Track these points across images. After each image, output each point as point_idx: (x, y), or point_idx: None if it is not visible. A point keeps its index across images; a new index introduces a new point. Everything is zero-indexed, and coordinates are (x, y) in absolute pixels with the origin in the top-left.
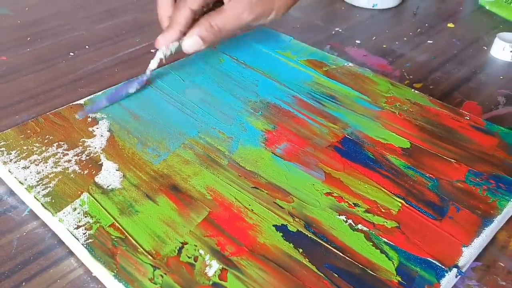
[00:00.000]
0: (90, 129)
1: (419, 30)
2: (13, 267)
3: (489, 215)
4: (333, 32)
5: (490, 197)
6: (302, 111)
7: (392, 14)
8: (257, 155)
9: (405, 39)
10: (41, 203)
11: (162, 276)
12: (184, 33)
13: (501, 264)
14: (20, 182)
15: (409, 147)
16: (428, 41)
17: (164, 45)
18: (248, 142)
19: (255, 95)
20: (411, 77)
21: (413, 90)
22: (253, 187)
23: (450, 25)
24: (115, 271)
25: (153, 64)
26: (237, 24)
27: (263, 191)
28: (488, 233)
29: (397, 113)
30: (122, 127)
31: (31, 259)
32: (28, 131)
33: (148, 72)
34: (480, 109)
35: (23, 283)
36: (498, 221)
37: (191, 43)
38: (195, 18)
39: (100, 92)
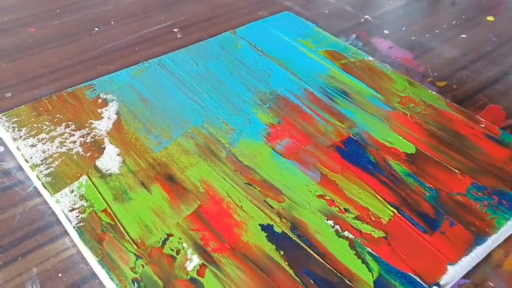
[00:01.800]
0: (99, 110)
1: (454, 22)
2: (12, 241)
3: (483, 233)
4: (362, 20)
5: (489, 214)
6: (311, 106)
7: (428, 3)
8: (256, 150)
9: (437, 31)
10: (42, 183)
11: (143, 266)
12: None
13: (490, 284)
14: (25, 160)
15: (414, 153)
16: (462, 35)
17: None
18: (250, 136)
19: (266, 86)
20: (435, 74)
21: (430, 90)
22: (246, 183)
23: (490, 18)
24: (99, 257)
25: None
26: None
27: (255, 188)
28: (479, 252)
29: (408, 115)
30: (130, 111)
31: (29, 234)
32: (41, 109)
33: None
34: (503, 114)
35: (19, 258)
36: (492, 240)
37: None
38: None
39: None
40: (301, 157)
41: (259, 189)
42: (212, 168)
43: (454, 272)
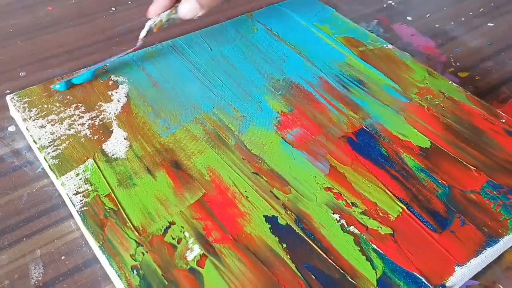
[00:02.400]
0: (109, 92)
1: (481, 9)
2: (18, 222)
3: (495, 234)
4: (385, 5)
5: (503, 214)
6: (325, 95)
7: None
8: (266, 138)
9: (462, 19)
10: (49, 165)
11: (143, 254)
12: (175, 1)
13: (500, 286)
14: (34, 141)
15: (428, 147)
16: (489, 24)
17: (155, 14)
18: (260, 124)
19: (280, 72)
20: (457, 64)
21: (450, 82)
22: (253, 173)
23: None
24: (101, 242)
25: (143, 33)
26: None
27: (262, 178)
28: (489, 253)
29: (425, 107)
30: (140, 94)
31: (35, 216)
32: (52, 90)
33: (138, 42)
34: None
35: (24, 239)
36: (504, 242)
37: (188, 8)
38: None
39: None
40: (311, 147)
41: (265, 179)
42: (219, 155)
43: (461, 273)
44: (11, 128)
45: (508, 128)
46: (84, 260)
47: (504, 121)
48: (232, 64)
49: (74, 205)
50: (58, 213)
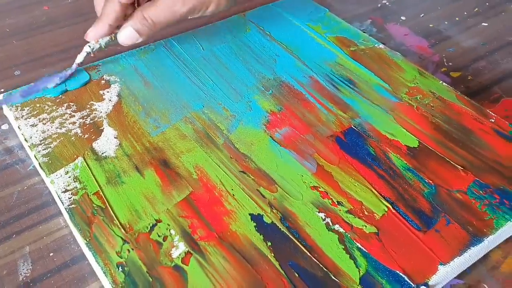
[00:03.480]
0: (101, 92)
1: (476, 9)
2: (8, 219)
3: (480, 234)
4: (379, 5)
5: (488, 214)
6: (315, 94)
7: None
8: (254, 137)
9: (457, 19)
10: (39, 163)
11: (129, 251)
12: (115, 27)
13: (484, 285)
14: (25, 139)
15: (416, 146)
16: (483, 24)
17: (93, 39)
18: (249, 122)
19: (271, 72)
20: (450, 64)
21: (441, 82)
22: (241, 171)
23: None
24: (87, 239)
25: (79, 58)
26: (171, 17)
27: (249, 177)
28: (474, 253)
29: (415, 106)
30: (131, 93)
31: (25, 213)
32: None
33: (74, 65)
34: None
35: (14, 235)
36: (489, 241)
37: (126, 35)
38: (130, 11)
39: (17, 89)
40: (299, 146)
41: (253, 177)
42: (207, 154)
43: (445, 272)
44: (4, 127)
45: (497, 128)
46: (72, 256)
47: (493, 121)
48: (224, 64)
49: (62, 202)
50: (48, 211)
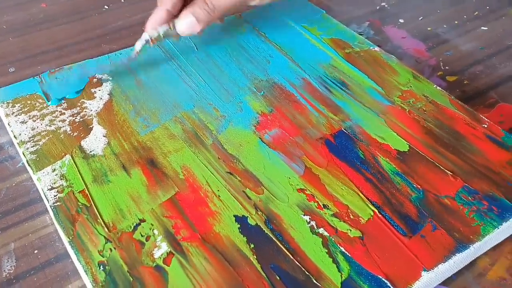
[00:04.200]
0: (93, 90)
1: (476, 13)
2: None
3: (466, 240)
4: (378, 7)
5: (476, 220)
6: (306, 96)
7: None
8: (243, 138)
9: (456, 22)
10: (26, 160)
11: (111, 250)
12: (174, 15)
13: None
14: (14, 136)
15: (406, 150)
16: (482, 27)
17: (152, 27)
18: (239, 124)
19: (263, 73)
20: (447, 68)
21: (435, 86)
22: (227, 172)
23: None
24: (70, 237)
25: (138, 46)
26: (232, 1)
27: (236, 178)
28: (459, 259)
29: (407, 110)
30: (123, 92)
31: (12, 210)
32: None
33: (133, 53)
34: None
35: (0, 232)
36: (475, 248)
37: (185, 22)
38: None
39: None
40: (288, 148)
41: (239, 179)
42: (195, 154)
43: (428, 278)
44: None
45: (489, 134)
46: (56, 254)
47: (486, 126)
48: (217, 64)
49: (48, 200)
50: (35, 208)
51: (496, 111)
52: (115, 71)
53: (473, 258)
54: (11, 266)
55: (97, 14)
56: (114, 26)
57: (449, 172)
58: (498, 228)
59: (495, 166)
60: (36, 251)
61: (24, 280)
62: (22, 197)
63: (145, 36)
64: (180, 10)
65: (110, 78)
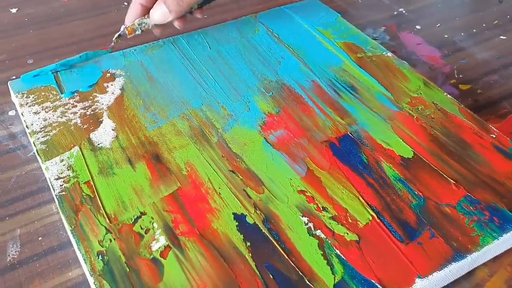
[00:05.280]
0: (105, 84)
1: (495, 22)
2: (4, 202)
3: (464, 250)
4: (395, 13)
5: (475, 230)
6: (314, 99)
7: None
8: (248, 138)
9: (474, 30)
10: (36, 149)
11: (110, 241)
12: (149, 8)
13: None
14: (27, 126)
15: (411, 157)
16: (501, 37)
17: (129, 21)
18: (245, 123)
19: (274, 74)
20: (460, 76)
21: (445, 93)
22: (230, 170)
23: None
24: (73, 226)
25: (115, 36)
26: None
27: (238, 176)
28: (455, 269)
29: (415, 117)
30: (134, 87)
31: (21, 197)
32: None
33: (111, 43)
34: None
35: (7, 218)
36: (473, 259)
37: (158, 12)
38: None
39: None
40: (291, 149)
41: (241, 177)
42: (200, 151)
43: (422, 286)
44: (11, 113)
45: (497, 144)
46: (59, 242)
47: (494, 136)
48: (228, 64)
49: (53, 189)
50: (42, 196)
51: (507, 121)
52: (127, 66)
53: (471, 268)
54: (15, 251)
55: (116, 10)
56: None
57: (452, 181)
58: (498, 239)
59: (500, 177)
60: (40, 238)
61: (27, 265)
62: (30, 185)
63: (122, 28)
64: (154, 3)
65: (123, 74)
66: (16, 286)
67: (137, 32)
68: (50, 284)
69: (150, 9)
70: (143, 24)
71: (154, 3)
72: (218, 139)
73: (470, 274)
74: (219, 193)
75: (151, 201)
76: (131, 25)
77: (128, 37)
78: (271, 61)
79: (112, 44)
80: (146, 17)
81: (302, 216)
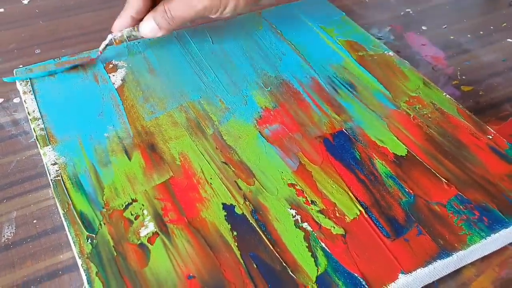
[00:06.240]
0: (108, 75)
1: (504, 24)
2: (3, 185)
3: (450, 248)
4: (402, 13)
5: (464, 229)
6: (312, 95)
7: (484, 1)
8: (243, 131)
9: (481, 32)
10: (36, 135)
11: (101, 226)
12: (139, 19)
13: None
14: (28, 112)
15: (404, 155)
16: (508, 39)
17: (117, 30)
18: (242, 116)
19: (274, 70)
20: (463, 77)
21: (445, 94)
22: (223, 162)
23: None
24: (65, 210)
25: (102, 45)
26: (188, 12)
27: (230, 168)
28: (440, 266)
29: (411, 116)
30: (135, 78)
31: (19, 181)
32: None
33: (97, 53)
34: None
35: (5, 200)
36: (459, 257)
37: (147, 27)
38: (154, 4)
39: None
40: (285, 143)
41: (233, 169)
42: (194, 143)
43: (405, 281)
44: (16, 100)
45: (493, 145)
46: (53, 226)
47: (491, 137)
48: (229, 59)
49: (49, 174)
50: (40, 181)
51: (508, 124)
52: (130, 57)
53: (458, 267)
54: (10, 233)
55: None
56: None
57: (444, 180)
58: (486, 239)
59: (494, 178)
60: (35, 221)
61: (20, 246)
62: (29, 170)
63: (108, 37)
64: (145, 15)
65: (126, 65)
66: (9, 265)
67: (124, 43)
68: (41, 265)
69: (139, 21)
70: (131, 37)
71: (145, 15)
72: (214, 131)
73: (457, 273)
74: (210, 183)
75: (143, 189)
76: (120, 36)
77: (114, 45)
78: (272, 57)
79: (99, 54)
80: (135, 28)
81: (290, 209)
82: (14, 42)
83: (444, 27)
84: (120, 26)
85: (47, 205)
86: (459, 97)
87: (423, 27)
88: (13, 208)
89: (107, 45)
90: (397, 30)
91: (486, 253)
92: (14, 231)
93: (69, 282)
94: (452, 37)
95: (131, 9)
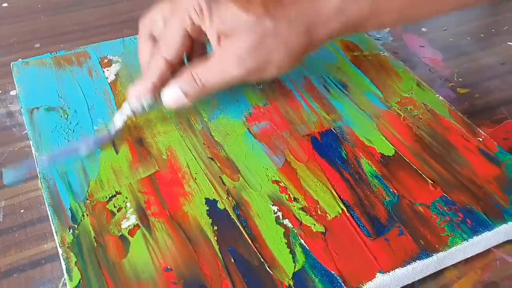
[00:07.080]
0: (102, 69)
1: (506, 28)
2: None
3: (430, 249)
4: None
5: (446, 231)
6: (303, 94)
7: (490, 4)
8: (232, 128)
9: (481, 35)
10: (28, 127)
11: (83, 216)
12: (160, 86)
13: None
14: (21, 105)
15: (391, 155)
16: (508, 43)
17: (135, 98)
18: (231, 113)
19: None
20: (460, 79)
21: (437, 95)
22: (209, 158)
23: None
24: (49, 200)
25: (118, 120)
26: (223, 79)
27: (216, 164)
28: (419, 266)
29: (402, 116)
30: (128, 73)
31: None
32: (48, 64)
33: (112, 131)
34: None
35: None
36: (439, 258)
37: (171, 96)
38: (178, 69)
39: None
40: (273, 141)
41: (219, 165)
42: (182, 138)
43: (383, 281)
44: (13, 92)
45: (482, 147)
46: (39, 216)
47: (481, 139)
48: None
49: (38, 164)
50: (30, 172)
51: (502, 127)
52: (124, 53)
53: (439, 268)
54: None
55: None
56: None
57: (430, 181)
58: (468, 241)
59: (481, 180)
60: (22, 211)
61: (6, 235)
62: (18, 161)
63: (126, 109)
64: (180, 59)
65: (120, 60)
66: None
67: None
68: (25, 254)
69: (174, 66)
70: (153, 107)
71: (180, 60)
72: (202, 127)
73: (438, 274)
74: (195, 178)
75: (127, 182)
76: (140, 107)
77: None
78: None
79: (113, 133)
80: (157, 96)
81: (273, 205)
82: (15, 36)
83: (444, 29)
84: (138, 94)
85: (35, 196)
86: (454, 99)
87: (423, 29)
88: (2, 198)
89: (125, 120)
90: (396, 31)
91: (468, 256)
92: (1, 220)
93: (51, 271)
94: (451, 39)
95: (152, 76)
